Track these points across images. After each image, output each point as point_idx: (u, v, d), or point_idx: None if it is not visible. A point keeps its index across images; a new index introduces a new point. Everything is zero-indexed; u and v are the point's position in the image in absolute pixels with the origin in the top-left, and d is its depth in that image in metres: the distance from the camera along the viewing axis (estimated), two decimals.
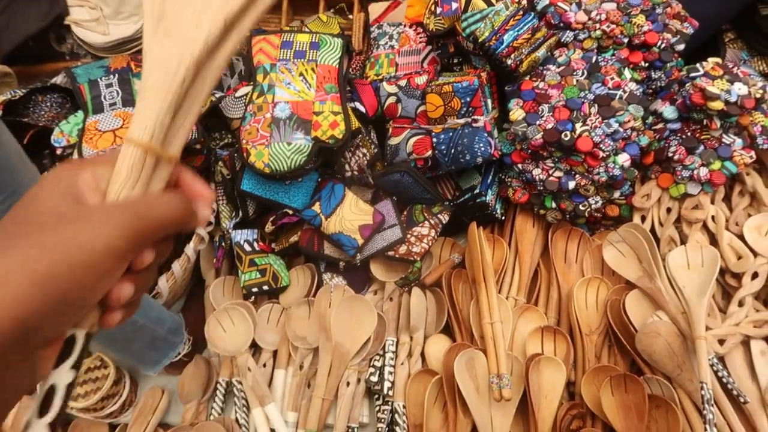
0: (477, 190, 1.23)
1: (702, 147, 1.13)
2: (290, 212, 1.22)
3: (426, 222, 1.22)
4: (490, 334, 1.08)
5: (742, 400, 0.95)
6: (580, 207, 1.15)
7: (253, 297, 1.21)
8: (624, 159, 1.10)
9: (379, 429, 1.07)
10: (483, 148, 1.15)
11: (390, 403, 1.09)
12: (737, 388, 0.95)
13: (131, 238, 0.32)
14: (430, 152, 1.19)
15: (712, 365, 0.98)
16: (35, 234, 0.30)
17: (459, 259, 1.25)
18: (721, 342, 1.02)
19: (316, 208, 1.20)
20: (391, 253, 1.20)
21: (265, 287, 1.21)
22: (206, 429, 1.08)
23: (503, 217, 1.28)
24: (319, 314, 1.16)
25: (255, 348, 1.20)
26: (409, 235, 1.21)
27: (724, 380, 0.97)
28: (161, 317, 1.11)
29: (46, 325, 0.29)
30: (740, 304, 1.05)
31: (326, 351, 1.12)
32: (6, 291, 0.28)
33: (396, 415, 1.08)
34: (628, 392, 1.01)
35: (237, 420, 1.11)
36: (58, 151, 1.16)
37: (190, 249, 1.17)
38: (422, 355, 1.15)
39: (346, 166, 1.27)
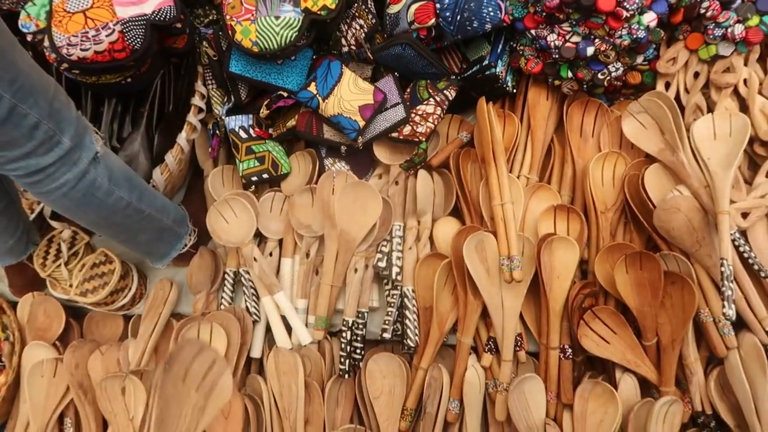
0: (486, 62, 1.12)
1: (739, 1, 1.00)
2: (285, 94, 1.14)
3: (431, 99, 1.14)
4: (500, 215, 1.04)
5: (762, 274, 0.92)
6: (599, 76, 1.05)
7: (253, 186, 1.16)
8: (650, 18, 0.99)
9: (389, 313, 1.07)
10: (492, 13, 1.03)
11: (399, 287, 1.08)
12: (758, 263, 0.92)
13: None
14: (433, 20, 1.07)
15: (733, 240, 0.94)
16: None
17: (467, 137, 1.18)
18: (744, 215, 0.97)
19: (312, 88, 1.11)
20: (395, 134, 1.13)
21: (265, 175, 1.16)
22: (218, 318, 1.08)
23: (515, 91, 1.18)
24: (322, 202, 1.12)
25: (260, 238, 1.18)
26: (413, 115, 1.13)
27: (746, 255, 0.93)
28: (165, 207, 1.07)
29: None
30: None
31: (332, 239, 1.09)
32: None
33: (405, 299, 1.07)
34: (643, 269, 0.98)
35: (248, 308, 1.11)
36: (29, 38, 1.07)
37: (182, 138, 1.11)
38: (431, 239, 1.12)
39: (343, 41, 1.16)
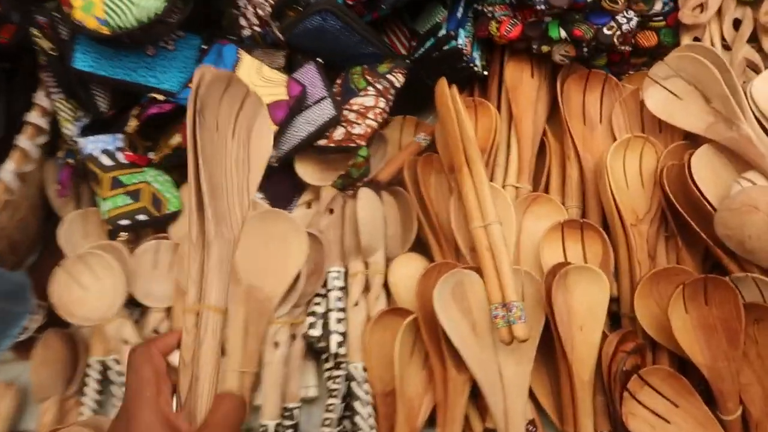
0: (442, 32, 0.80)
1: None
2: (160, 98, 0.79)
3: (370, 88, 0.80)
4: (484, 243, 0.69)
5: None
6: (605, 31, 0.73)
7: (124, 233, 0.80)
8: None
9: (331, 406, 0.70)
10: None
11: (344, 365, 0.72)
12: None
13: None
14: None
15: None
16: None
17: (427, 140, 0.84)
18: None
19: None
20: (322, 141, 0.79)
21: (142, 216, 0.80)
22: None
23: (486, 73, 0.86)
24: None
25: (138, 308, 0.81)
26: (345, 111, 0.79)
27: None
28: None
29: None
30: None
31: (236, 300, 0.72)
32: None
33: (354, 383, 0.70)
34: (710, 304, 0.64)
35: None
36: None
37: (6, 172, 0.75)
38: (385, 287, 0.76)
39: (242, 21, 0.83)
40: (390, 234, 0.78)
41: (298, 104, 0.78)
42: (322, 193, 0.81)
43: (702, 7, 0.77)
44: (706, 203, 0.66)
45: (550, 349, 0.68)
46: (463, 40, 0.81)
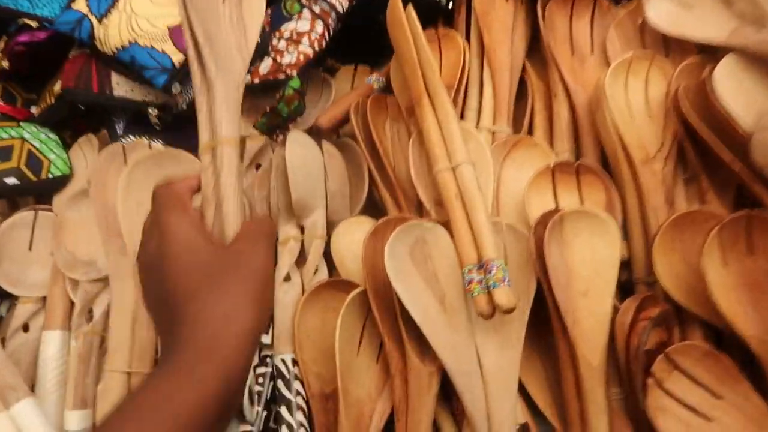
0: None
1: None
2: (33, 24, 0.62)
3: (305, 11, 0.64)
4: (452, 188, 0.52)
5: None
6: None
7: None
8: None
9: (249, 419, 0.51)
10: None
11: (269, 359, 0.53)
12: None
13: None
14: None
15: None
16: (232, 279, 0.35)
17: (381, 82, 0.68)
18: None
19: (81, 5, 0.60)
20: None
21: (11, 180, 0.62)
22: None
23: (450, 3, 0.71)
24: (104, 208, 0.58)
25: (6, 299, 0.62)
26: (274, 39, 0.63)
27: None
28: None
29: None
30: None
31: (120, 277, 0.54)
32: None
33: (280, 383, 0.51)
34: (755, 253, 0.48)
35: None
36: None
37: None
38: (326, 256, 0.58)
39: None
40: (333, 190, 0.60)
41: None
42: (246, 144, 0.63)
43: None
44: (734, 126, 0.50)
45: (545, 325, 0.51)
46: None
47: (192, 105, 0.62)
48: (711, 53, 0.57)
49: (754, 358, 0.47)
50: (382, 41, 0.66)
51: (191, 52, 0.47)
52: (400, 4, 0.59)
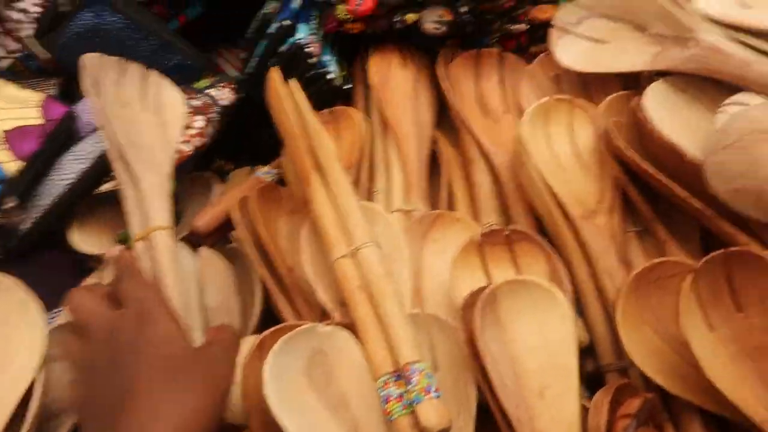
0: (275, 25, 0.58)
1: None
2: None
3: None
4: (353, 278, 0.41)
5: None
6: None
7: None
8: None
9: None
10: None
11: None
12: None
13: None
14: None
15: None
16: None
17: (273, 175, 0.58)
18: None
19: None
20: (106, 186, 0.52)
21: None
22: None
23: (349, 85, 0.64)
24: None
25: None
26: None
27: None
28: None
29: None
30: None
31: None
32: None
33: None
34: (745, 308, 0.36)
35: None
36: None
37: None
38: None
39: None
40: (214, 306, 0.48)
41: (60, 132, 0.52)
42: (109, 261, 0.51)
43: None
44: (684, 155, 0.41)
45: None
46: (305, 35, 0.59)
47: (39, 225, 0.51)
48: (636, 87, 0.50)
49: None
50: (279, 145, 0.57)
51: (114, 153, 0.47)
52: (278, 74, 0.51)
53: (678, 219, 0.44)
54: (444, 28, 0.56)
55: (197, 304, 0.46)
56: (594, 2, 0.51)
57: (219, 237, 0.54)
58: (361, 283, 0.41)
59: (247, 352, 0.40)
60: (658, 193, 0.44)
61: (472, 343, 0.38)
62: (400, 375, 0.37)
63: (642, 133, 0.44)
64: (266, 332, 0.41)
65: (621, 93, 0.48)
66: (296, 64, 0.60)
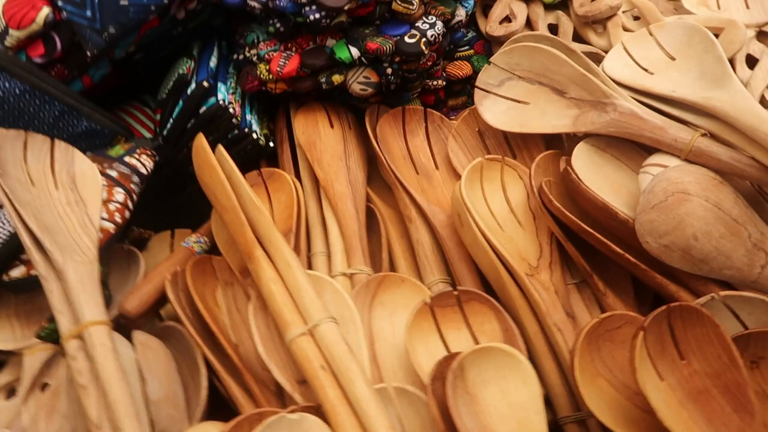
0: (192, 87, 0.56)
1: None
2: None
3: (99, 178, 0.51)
4: (314, 358, 0.40)
5: None
6: (407, 39, 0.54)
7: None
8: None
9: None
10: None
11: None
12: None
13: None
14: (46, 13, 0.50)
15: None
16: None
17: (204, 243, 0.55)
18: None
19: None
20: (16, 272, 0.46)
21: None
22: None
23: (272, 144, 0.62)
24: None
25: None
26: None
27: None
28: None
29: None
30: None
31: None
32: None
33: None
34: (687, 356, 0.40)
35: None
36: None
37: None
38: None
39: None
40: (157, 398, 0.44)
41: None
42: (24, 362, 0.46)
43: (508, 19, 0.64)
44: (617, 213, 0.45)
45: None
46: (224, 94, 0.57)
47: None
48: (556, 144, 0.53)
49: None
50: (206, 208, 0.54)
51: (28, 243, 0.44)
52: (206, 143, 0.48)
53: (612, 270, 0.47)
54: (370, 90, 0.56)
55: (141, 400, 0.42)
56: (513, 65, 0.54)
57: (150, 317, 0.50)
58: (323, 362, 0.40)
59: None
60: (592, 248, 0.47)
61: (444, 415, 0.38)
62: None
63: (574, 192, 0.47)
64: (227, 428, 0.39)
65: (548, 153, 0.51)
66: (217, 125, 0.58)
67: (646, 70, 0.51)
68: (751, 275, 0.42)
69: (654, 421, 0.38)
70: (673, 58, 0.51)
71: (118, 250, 0.55)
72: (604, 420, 0.40)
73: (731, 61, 0.52)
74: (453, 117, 0.66)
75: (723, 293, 0.42)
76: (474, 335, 0.46)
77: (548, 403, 0.44)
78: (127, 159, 0.54)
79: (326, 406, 0.38)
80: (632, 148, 0.49)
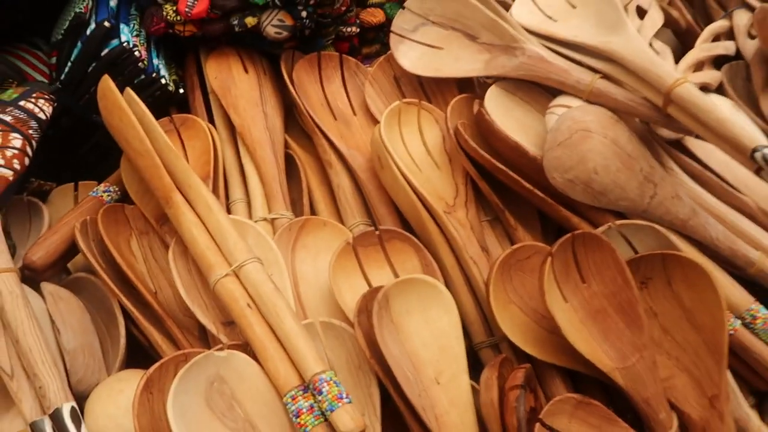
0: (92, 25, 0.53)
1: None
2: None
3: None
4: (241, 297, 0.40)
5: None
6: None
7: None
8: None
9: None
10: None
11: None
12: None
13: None
14: None
15: None
16: None
17: (113, 194, 0.53)
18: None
19: None
20: None
21: None
22: None
23: (182, 90, 0.60)
24: None
25: None
26: None
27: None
28: None
29: None
30: None
31: None
32: None
33: None
34: (588, 280, 0.44)
35: None
36: None
37: None
38: None
39: None
40: (72, 347, 0.42)
41: None
42: None
43: None
44: (526, 152, 0.48)
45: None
46: (128, 37, 0.54)
47: None
48: (468, 88, 0.55)
49: (618, 397, 0.42)
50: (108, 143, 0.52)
51: None
52: (112, 84, 0.46)
53: (522, 206, 0.50)
54: (285, 33, 0.56)
55: (56, 350, 0.41)
56: (427, 10, 0.55)
57: (58, 269, 0.48)
58: (249, 301, 0.40)
59: (136, 392, 0.37)
60: (502, 184, 0.49)
61: (372, 345, 0.39)
62: (307, 388, 0.37)
63: (487, 133, 0.49)
64: (151, 370, 0.38)
65: (462, 96, 0.53)
66: (122, 69, 0.55)
67: (550, 17, 0.54)
68: (642, 205, 0.46)
69: (559, 340, 0.42)
70: (573, 6, 0.54)
71: (18, 203, 0.52)
72: (516, 341, 0.43)
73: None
74: (368, 64, 0.66)
75: (618, 222, 0.46)
76: (396, 272, 0.48)
77: (465, 331, 0.47)
78: (22, 103, 0.50)
79: (254, 343, 0.39)
80: (539, 92, 0.52)
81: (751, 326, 0.46)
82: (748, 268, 0.47)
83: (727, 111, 0.49)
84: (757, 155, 0.40)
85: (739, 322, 0.46)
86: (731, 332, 0.45)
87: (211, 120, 0.58)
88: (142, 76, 0.55)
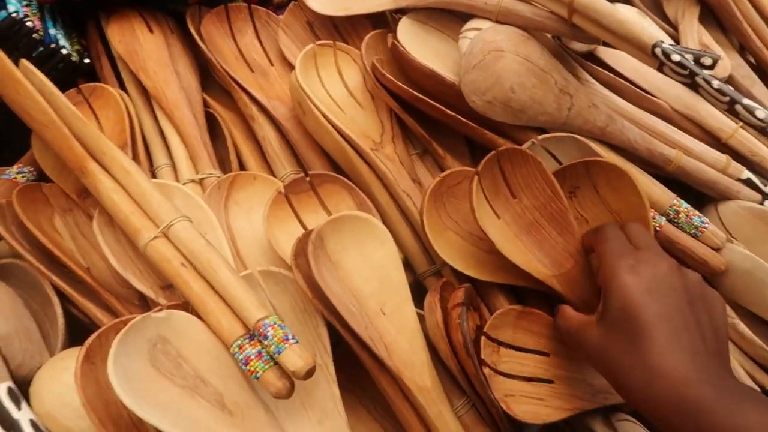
0: None
1: None
2: None
3: None
4: (173, 256, 0.39)
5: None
6: None
7: None
8: None
9: None
10: None
11: None
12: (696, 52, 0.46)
13: None
14: None
15: None
16: None
17: (30, 173, 0.50)
18: None
19: None
20: None
21: None
22: None
23: (87, 60, 0.57)
24: None
25: None
26: None
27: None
28: None
29: None
30: None
31: None
32: None
33: None
34: (518, 195, 0.45)
35: None
36: None
37: None
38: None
39: None
40: (5, 335, 0.41)
41: None
42: None
43: None
44: (443, 79, 0.48)
45: (359, 369, 0.41)
46: (17, 7, 0.51)
47: None
48: (383, 25, 0.55)
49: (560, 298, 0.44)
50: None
51: None
52: (3, 55, 0.43)
53: (448, 135, 0.51)
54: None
55: None
56: None
57: None
58: (183, 260, 0.40)
59: (77, 366, 0.36)
60: (427, 117, 0.50)
61: (312, 285, 0.39)
62: (252, 335, 0.37)
63: (403, 65, 0.49)
64: (89, 339, 0.37)
65: (376, 32, 0.52)
66: (15, 43, 0.51)
67: None
68: (561, 118, 0.47)
69: (498, 259, 0.43)
70: None
71: None
72: (456, 266, 0.44)
73: None
74: (280, 14, 0.64)
75: (540, 137, 0.47)
76: (331, 215, 0.47)
77: (408, 265, 0.48)
78: None
79: (194, 300, 0.38)
80: (451, 18, 0.52)
81: (675, 221, 0.48)
82: (667, 166, 0.49)
83: (627, 12, 0.50)
84: (657, 51, 0.41)
85: (663, 218, 0.48)
86: (657, 228, 0.47)
87: (123, 87, 0.56)
88: (40, 48, 0.52)
